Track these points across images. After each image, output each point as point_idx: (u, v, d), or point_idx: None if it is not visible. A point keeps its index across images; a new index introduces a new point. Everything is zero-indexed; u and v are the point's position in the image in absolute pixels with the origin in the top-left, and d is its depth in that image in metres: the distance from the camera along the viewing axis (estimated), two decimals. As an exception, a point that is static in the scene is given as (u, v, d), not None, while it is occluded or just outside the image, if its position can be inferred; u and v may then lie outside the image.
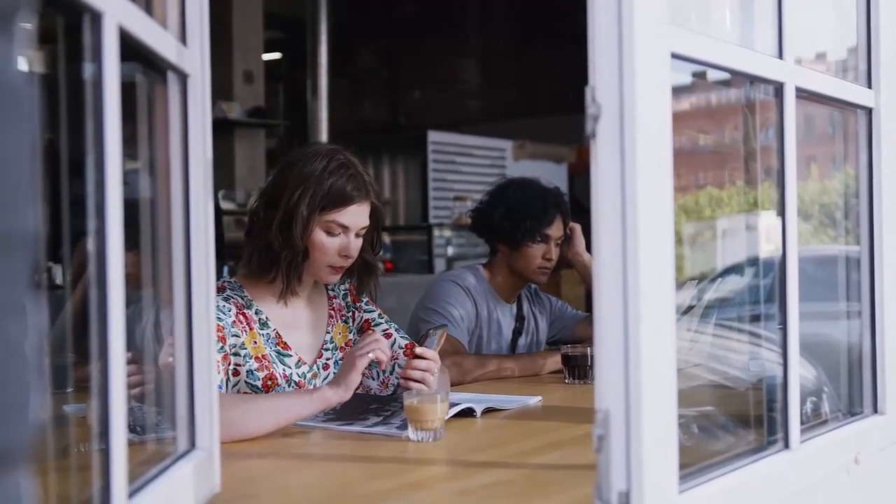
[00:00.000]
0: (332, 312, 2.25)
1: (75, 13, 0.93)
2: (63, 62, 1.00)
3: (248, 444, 1.80)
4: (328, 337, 2.22)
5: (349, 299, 2.29)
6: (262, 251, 2.09)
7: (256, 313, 2.11)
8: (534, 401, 2.25)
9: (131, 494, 1.03)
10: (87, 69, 0.96)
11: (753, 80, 1.47)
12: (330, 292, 2.28)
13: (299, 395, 1.92)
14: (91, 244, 0.96)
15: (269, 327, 2.11)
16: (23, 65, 0.56)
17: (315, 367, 2.16)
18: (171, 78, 1.27)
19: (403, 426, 1.82)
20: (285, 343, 2.12)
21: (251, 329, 2.08)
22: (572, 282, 6.02)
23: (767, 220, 1.71)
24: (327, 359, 2.20)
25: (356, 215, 2.08)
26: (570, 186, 7.47)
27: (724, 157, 1.86)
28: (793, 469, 1.43)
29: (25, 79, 0.56)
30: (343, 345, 2.24)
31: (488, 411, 2.08)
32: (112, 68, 0.96)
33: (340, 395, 1.88)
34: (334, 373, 2.17)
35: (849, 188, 1.85)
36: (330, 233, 2.07)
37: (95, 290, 0.95)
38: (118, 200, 0.97)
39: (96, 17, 0.94)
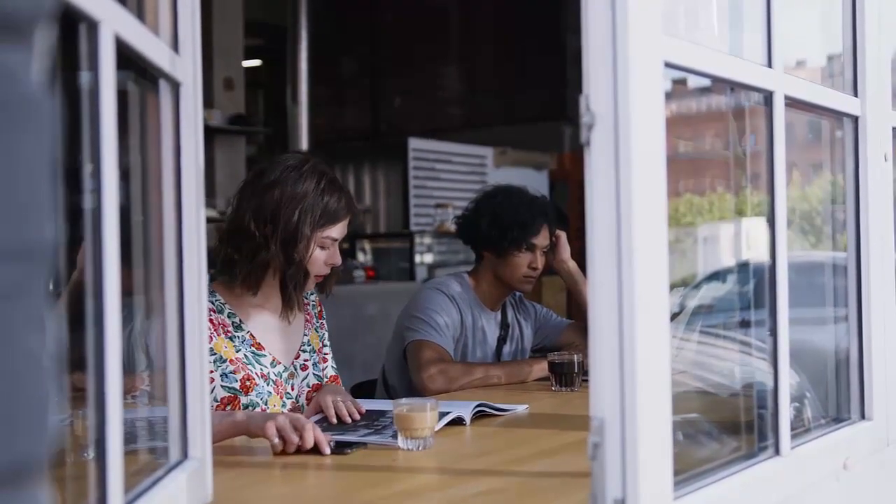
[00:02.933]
0: (308, 317, 2.33)
1: (71, 21, 0.93)
2: (57, 70, 0.99)
3: (240, 454, 1.78)
4: (305, 339, 2.29)
5: (315, 312, 2.37)
6: (259, 268, 2.12)
7: (229, 317, 2.16)
8: (521, 409, 2.25)
9: (126, 506, 1.02)
10: (83, 77, 0.95)
11: (744, 88, 1.48)
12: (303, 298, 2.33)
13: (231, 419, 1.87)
14: (86, 253, 0.95)
15: (243, 330, 2.16)
16: (40, 76, 0.56)
17: (293, 367, 2.23)
18: (163, 86, 1.26)
19: (396, 437, 1.81)
20: (259, 344, 2.18)
21: (225, 332, 2.12)
22: (554, 288, 6.03)
23: (749, 227, 1.72)
24: (305, 360, 2.27)
25: (344, 227, 2.21)
26: (551, 193, 7.49)
27: (705, 163, 1.87)
28: (784, 475, 1.43)
29: (44, 90, 0.55)
30: (317, 349, 2.32)
31: (479, 416, 2.08)
32: (108, 76, 0.95)
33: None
34: (313, 373, 2.27)
35: (830, 195, 1.87)
36: (323, 247, 2.17)
37: (91, 300, 0.94)
38: (114, 209, 0.96)
39: (93, 26, 0.94)
